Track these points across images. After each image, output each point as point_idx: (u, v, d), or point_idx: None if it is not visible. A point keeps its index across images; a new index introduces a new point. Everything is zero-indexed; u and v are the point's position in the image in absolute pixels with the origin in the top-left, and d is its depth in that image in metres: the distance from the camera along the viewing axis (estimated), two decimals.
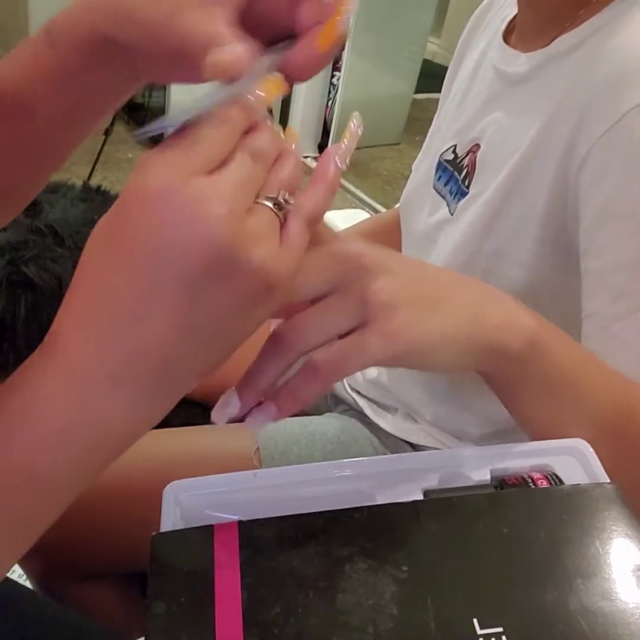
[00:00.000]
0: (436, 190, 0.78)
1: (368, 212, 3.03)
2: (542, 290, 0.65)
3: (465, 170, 0.72)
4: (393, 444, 0.84)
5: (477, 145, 0.71)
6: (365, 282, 0.38)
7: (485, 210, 0.67)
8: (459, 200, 0.72)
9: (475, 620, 0.32)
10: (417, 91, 3.68)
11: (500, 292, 0.45)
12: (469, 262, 0.69)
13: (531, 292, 0.65)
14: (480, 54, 0.77)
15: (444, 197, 0.76)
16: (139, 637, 0.68)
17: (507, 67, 0.69)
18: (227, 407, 0.38)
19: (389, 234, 0.99)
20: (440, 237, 0.75)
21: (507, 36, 0.73)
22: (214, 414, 0.38)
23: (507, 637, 0.31)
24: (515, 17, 0.72)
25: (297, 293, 0.38)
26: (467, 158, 0.73)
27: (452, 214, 0.73)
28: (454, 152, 0.76)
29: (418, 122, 3.68)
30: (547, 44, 0.64)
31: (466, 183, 0.72)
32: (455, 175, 0.74)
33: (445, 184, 0.76)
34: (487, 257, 0.67)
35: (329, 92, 3.36)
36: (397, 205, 1.01)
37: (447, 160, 0.76)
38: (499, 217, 0.66)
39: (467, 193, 0.71)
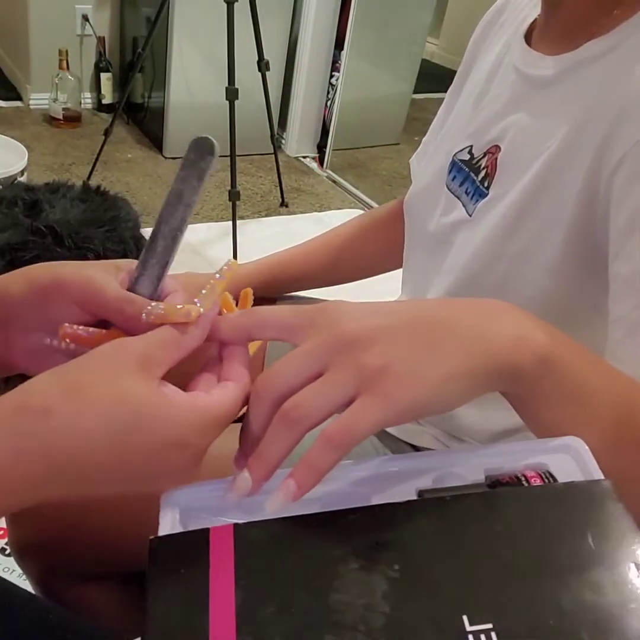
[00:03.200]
0: (450, 190, 0.77)
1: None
2: (565, 294, 0.65)
3: (483, 171, 0.72)
4: (394, 444, 0.84)
5: (497, 147, 0.71)
6: (355, 354, 0.38)
7: (509, 211, 0.66)
8: (476, 201, 0.72)
9: (464, 617, 0.32)
10: (416, 91, 3.69)
11: (506, 305, 0.43)
12: (489, 264, 0.69)
13: (554, 296, 0.65)
14: (497, 56, 0.76)
15: (458, 198, 0.76)
16: (137, 637, 0.68)
17: (531, 69, 0.69)
18: (240, 485, 0.39)
19: (388, 230, 0.99)
20: (457, 239, 0.75)
21: (527, 38, 0.72)
22: (228, 494, 0.39)
23: (496, 633, 0.31)
24: (536, 18, 0.72)
25: (290, 380, 0.39)
26: (485, 159, 0.72)
27: (470, 215, 0.73)
28: (469, 152, 0.75)
29: (417, 121, 3.68)
30: (575, 48, 0.63)
31: (485, 184, 0.71)
32: (472, 176, 0.74)
33: (461, 185, 0.75)
34: (509, 260, 0.67)
35: (328, 93, 3.36)
36: (393, 201, 1.01)
37: (462, 161, 0.76)
38: (524, 219, 0.65)
39: (487, 194, 0.71)
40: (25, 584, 0.77)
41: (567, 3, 0.65)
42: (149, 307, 0.41)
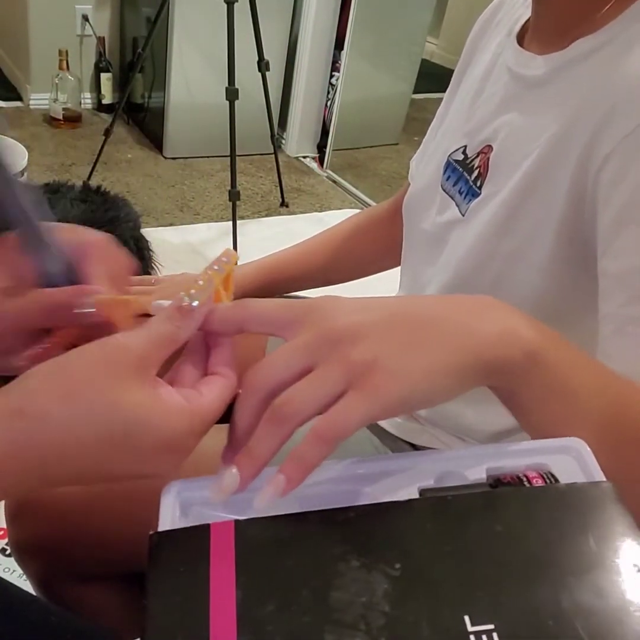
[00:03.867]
0: (444, 190, 0.77)
1: None
2: (557, 292, 0.65)
3: (476, 171, 0.72)
4: (393, 443, 0.84)
5: (489, 147, 0.71)
6: (343, 350, 0.39)
7: (501, 211, 0.67)
8: (469, 201, 0.72)
9: (466, 617, 0.32)
10: (416, 91, 3.69)
11: (495, 301, 0.44)
12: (483, 263, 0.69)
13: (547, 295, 0.65)
14: (492, 55, 0.76)
15: (452, 198, 0.76)
16: (138, 637, 0.68)
17: (523, 69, 0.69)
18: (227, 482, 0.38)
19: (385, 228, 0.99)
20: (451, 238, 0.75)
21: (520, 38, 0.72)
22: (213, 491, 0.39)
23: (498, 634, 0.31)
24: (529, 19, 0.72)
25: (278, 375, 0.40)
26: (478, 159, 0.73)
27: (463, 215, 0.73)
28: (463, 152, 0.75)
29: (416, 121, 3.69)
30: (565, 46, 0.64)
31: (478, 184, 0.71)
32: (465, 175, 0.74)
33: (454, 184, 0.76)
34: (502, 259, 0.67)
35: (328, 93, 3.36)
36: (389, 199, 1.01)
37: (456, 161, 0.76)
38: (515, 218, 0.66)
39: (480, 194, 0.71)
40: (26, 585, 0.77)
41: (556, 2, 0.65)
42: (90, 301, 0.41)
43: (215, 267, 0.43)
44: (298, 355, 0.40)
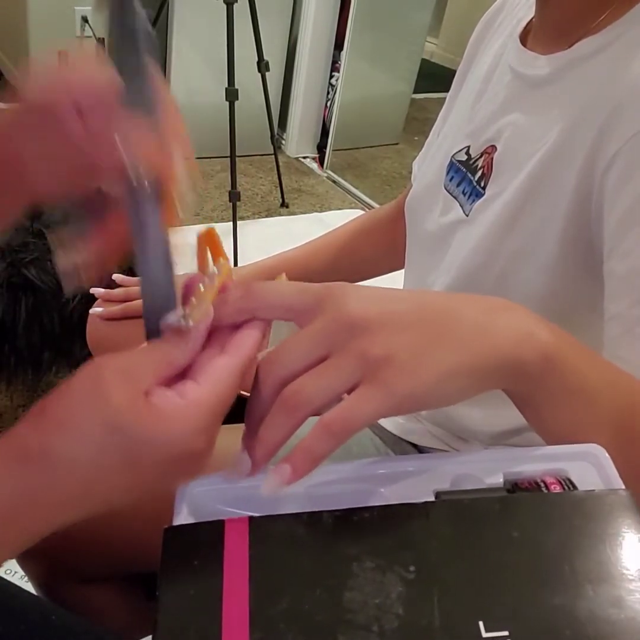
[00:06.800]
0: (447, 191, 0.77)
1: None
2: (562, 292, 0.65)
3: (480, 171, 0.72)
4: (396, 444, 0.84)
5: (493, 147, 0.71)
6: (358, 341, 0.38)
7: (505, 211, 0.67)
8: (473, 201, 0.72)
9: (481, 623, 0.32)
10: (416, 91, 3.69)
11: (511, 303, 0.43)
12: (486, 263, 0.69)
13: (550, 294, 0.65)
14: (494, 56, 0.76)
15: (456, 198, 0.76)
16: (142, 637, 0.68)
17: (526, 69, 0.69)
18: (238, 467, 0.39)
19: (388, 231, 0.99)
20: (454, 239, 0.75)
21: (523, 38, 0.72)
22: (226, 474, 0.39)
23: None
24: (532, 19, 0.72)
25: (294, 363, 0.39)
26: (482, 159, 0.72)
27: (467, 215, 0.73)
28: (467, 153, 0.75)
29: (417, 121, 3.69)
30: (569, 46, 0.64)
31: (482, 184, 0.71)
32: (469, 176, 0.74)
33: (458, 185, 0.76)
34: (506, 259, 0.67)
35: (328, 93, 3.36)
36: (392, 202, 1.01)
37: (459, 161, 0.76)
38: (520, 218, 0.65)
39: (483, 194, 0.71)
40: (27, 586, 0.77)
41: (560, 2, 0.65)
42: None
43: (206, 280, 0.42)
44: (313, 343, 0.39)
